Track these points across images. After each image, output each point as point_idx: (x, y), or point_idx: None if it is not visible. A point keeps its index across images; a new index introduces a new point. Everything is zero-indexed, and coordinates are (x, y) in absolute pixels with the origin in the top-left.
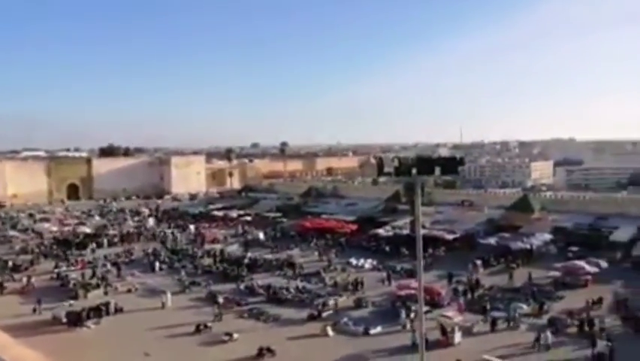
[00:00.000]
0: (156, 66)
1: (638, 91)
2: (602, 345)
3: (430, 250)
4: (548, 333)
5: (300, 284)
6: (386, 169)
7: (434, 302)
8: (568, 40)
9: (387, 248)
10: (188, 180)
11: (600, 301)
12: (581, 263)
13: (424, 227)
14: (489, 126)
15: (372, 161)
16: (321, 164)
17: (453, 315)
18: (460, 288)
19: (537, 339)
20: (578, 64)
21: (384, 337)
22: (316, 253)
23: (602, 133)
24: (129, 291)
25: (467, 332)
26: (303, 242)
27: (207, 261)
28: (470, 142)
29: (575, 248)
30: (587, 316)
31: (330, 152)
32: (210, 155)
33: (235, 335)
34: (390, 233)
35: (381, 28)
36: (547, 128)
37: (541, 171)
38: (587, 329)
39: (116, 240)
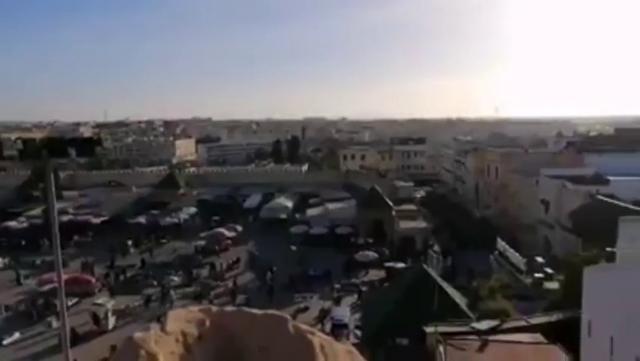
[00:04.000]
0: None
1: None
2: (239, 298)
3: (77, 237)
4: (172, 292)
5: None
6: (7, 152)
7: (85, 291)
8: (212, 31)
9: (23, 242)
10: None
11: (238, 260)
12: (222, 230)
13: (67, 213)
14: (134, 106)
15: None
16: None
17: (104, 301)
18: (112, 272)
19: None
20: (221, 49)
21: (24, 343)
22: None
23: (234, 114)
24: None
25: (122, 315)
26: None
27: None
28: (115, 121)
29: (216, 217)
30: (227, 276)
31: None
32: None
33: None
34: (26, 224)
35: None
36: (188, 108)
37: (185, 149)
38: (230, 287)
39: None
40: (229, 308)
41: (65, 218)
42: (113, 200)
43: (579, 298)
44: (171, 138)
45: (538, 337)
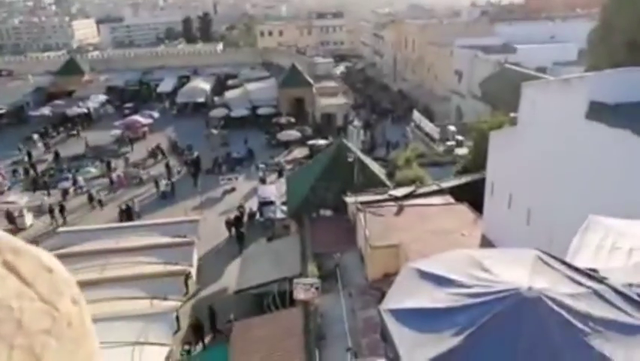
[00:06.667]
0: None
1: None
2: (163, 185)
3: None
4: (94, 191)
5: None
6: None
7: None
8: None
9: None
10: None
11: (159, 147)
12: (137, 117)
13: None
14: None
15: None
16: None
17: (17, 198)
18: (20, 168)
19: (90, 198)
20: None
21: None
22: None
23: None
24: None
25: (38, 210)
26: None
27: None
28: None
29: (129, 104)
30: (147, 164)
31: None
32: None
33: None
34: None
35: None
36: None
37: (85, 30)
38: (152, 174)
39: None
40: None
41: None
42: (8, 91)
43: (485, 161)
44: (67, 19)
45: (448, 198)
